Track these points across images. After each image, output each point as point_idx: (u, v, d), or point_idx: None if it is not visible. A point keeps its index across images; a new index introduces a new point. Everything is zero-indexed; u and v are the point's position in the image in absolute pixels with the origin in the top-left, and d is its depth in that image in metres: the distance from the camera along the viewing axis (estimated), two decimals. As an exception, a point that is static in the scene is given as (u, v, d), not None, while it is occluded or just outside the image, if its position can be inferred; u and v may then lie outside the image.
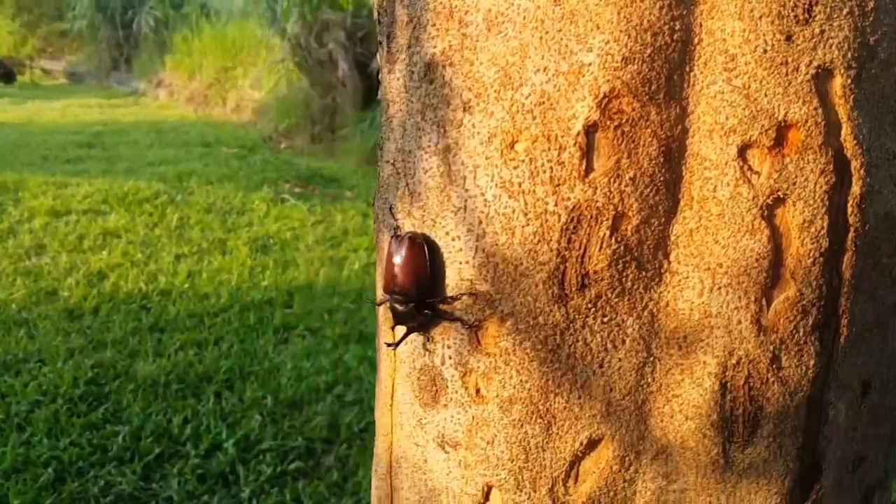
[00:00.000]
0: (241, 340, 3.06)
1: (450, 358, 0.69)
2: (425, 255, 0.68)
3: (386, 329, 0.79)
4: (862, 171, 0.62)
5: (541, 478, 0.68)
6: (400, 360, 0.75)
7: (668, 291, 0.63)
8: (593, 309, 0.64)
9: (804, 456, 0.67)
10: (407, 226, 0.71)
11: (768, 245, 0.62)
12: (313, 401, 2.58)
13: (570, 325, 0.64)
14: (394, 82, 0.72)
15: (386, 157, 0.75)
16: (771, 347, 0.64)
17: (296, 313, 3.36)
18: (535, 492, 0.68)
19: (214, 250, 4.12)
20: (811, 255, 0.63)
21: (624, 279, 0.63)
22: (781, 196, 0.61)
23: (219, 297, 3.47)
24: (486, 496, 0.71)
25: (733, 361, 0.64)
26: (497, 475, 0.69)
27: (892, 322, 0.69)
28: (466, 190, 0.65)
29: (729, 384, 0.64)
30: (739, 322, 0.63)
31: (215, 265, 3.89)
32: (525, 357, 0.65)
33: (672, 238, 0.63)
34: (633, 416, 0.66)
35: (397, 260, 0.69)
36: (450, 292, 0.67)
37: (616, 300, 0.63)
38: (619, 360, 0.65)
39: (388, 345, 0.73)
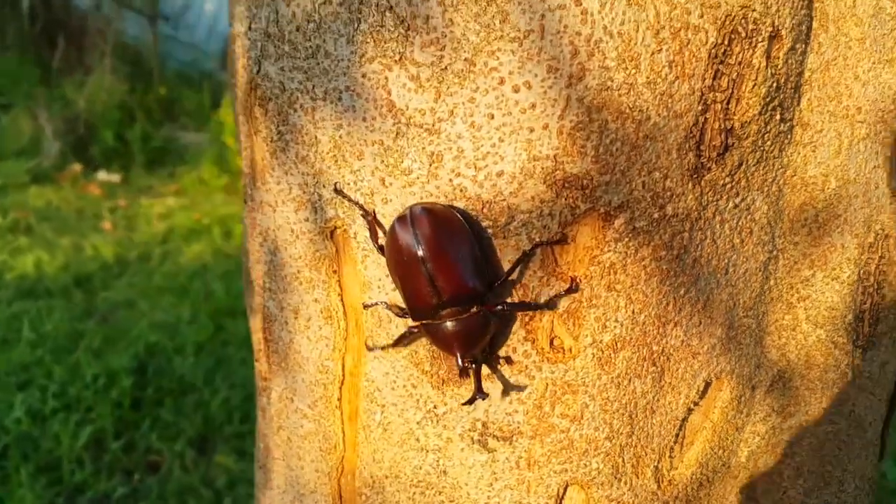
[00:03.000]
0: None
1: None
2: (461, 221, 0.40)
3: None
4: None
5: (646, 454, 0.45)
6: (375, 322, 0.45)
7: (798, 154, 0.45)
8: (730, 184, 0.42)
9: (897, 352, 0.55)
10: (398, 88, 0.41)
11: (900, 80, 0.47)
12: None
13: (702, 212, 0.42)
14: None
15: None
16: (898, 216, 0.49)
17: None
18: (637, 476, 0.45)
19: None
20: (926, 94, 0.49)
21: (766, 135, 0.43)
22: (913, 14, 0.47)
23: None
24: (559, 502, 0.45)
25: (870, 240, 0.48)
26: (585, 466, 0.44)
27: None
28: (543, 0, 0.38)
29: (862, 271, 0.48)
30: (877, 186, 0.47)
31: None
32: (642, 273, 0.42)
33: (806, 75, 0.44)
34: (753, 339, 0.47)
35: (421, 252, 0.40)
36: (510, 186, 0.40)
37: (754, 169, 0.43)
38: (746, 259, 0.45)
39: (466, 403, 0.42)
